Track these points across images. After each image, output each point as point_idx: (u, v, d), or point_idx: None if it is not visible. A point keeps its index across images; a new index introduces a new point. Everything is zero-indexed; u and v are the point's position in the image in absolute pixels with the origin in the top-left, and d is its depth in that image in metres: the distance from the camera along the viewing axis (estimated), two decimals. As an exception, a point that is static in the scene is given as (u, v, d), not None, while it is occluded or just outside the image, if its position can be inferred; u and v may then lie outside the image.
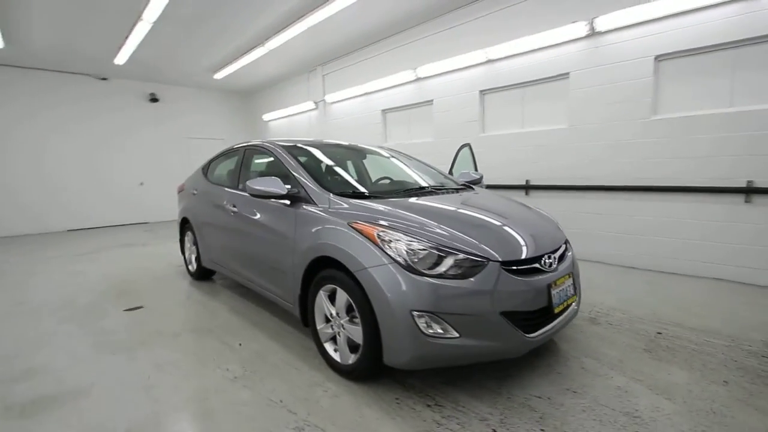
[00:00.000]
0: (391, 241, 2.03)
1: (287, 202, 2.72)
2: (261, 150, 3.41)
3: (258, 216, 2.98)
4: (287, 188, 2.65)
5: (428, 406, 2.02)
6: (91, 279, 4.58)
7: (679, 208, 4.13)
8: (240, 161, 3.60)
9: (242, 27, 6.30)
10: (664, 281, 3.95)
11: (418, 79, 6.47)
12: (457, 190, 3.05)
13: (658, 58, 4.10)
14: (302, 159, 2.97)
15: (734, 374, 2.23)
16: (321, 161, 3.18)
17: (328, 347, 2.41)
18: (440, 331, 1.90)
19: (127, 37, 6.43)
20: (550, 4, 4.75)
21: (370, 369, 2.15)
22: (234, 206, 3.32)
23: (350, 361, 2.22)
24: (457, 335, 1.90)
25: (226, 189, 3.59)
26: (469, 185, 3.33)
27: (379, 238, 2.06)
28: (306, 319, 2.60)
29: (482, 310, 1.92)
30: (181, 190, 4.73)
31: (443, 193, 2.89)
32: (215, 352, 2.67)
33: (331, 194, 2.51)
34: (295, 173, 2.78)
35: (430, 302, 1.89)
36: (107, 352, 2.71)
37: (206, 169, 4.27)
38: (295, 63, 8.32)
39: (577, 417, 1.90)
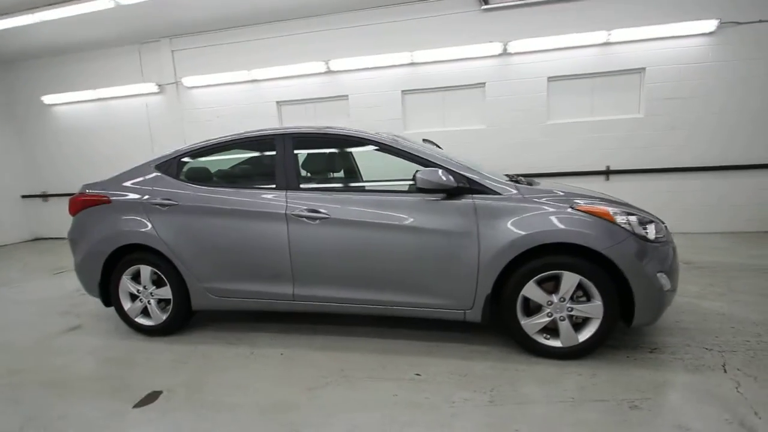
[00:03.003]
0: (622, 216, 2.25)
1: (436, 196, 2.40)
2: (334, 138, 2.75)
3: (397, 219, 2.44)
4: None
5: (650, 351, 2.38)
6: None
7: (565, 188, 5.80)
8: (287, 154, 2.71)
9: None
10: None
11: (329, 72, 6.14)
12: None
13: (550, 79, 5.59)
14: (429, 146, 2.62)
15: (724, 278, 3.58)
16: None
17: (538, 338, 2.35)
18: (669, 285, 2.29)
19: None
20: (473, 22, 5.60)
21: (603, 340, 2.30)
22: (317, 212, 2.52)
23: (581, 340, 2.29)
24: (671, 287, 2.33)
25: (282, 192, 2.63)
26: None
27: (614, 215, 2.24)
28: (491, 319, 2.41)
29: (676, 262, 2.44)
30: (92, 204, 2.98)
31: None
32: (411, 391, 2.10)
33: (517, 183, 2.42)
34: (445, 164, 2.44)
35: (664, 262, 2.26)
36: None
37: (179, 170, 2.91)
38: (116, 28, 6.17)
39: (724, 326, 2.71)
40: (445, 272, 2.39)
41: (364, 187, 2.84)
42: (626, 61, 5.34)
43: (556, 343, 2.34)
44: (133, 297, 2.97)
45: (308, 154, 2.79)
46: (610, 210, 2.27)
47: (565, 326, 2.31)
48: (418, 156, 2.52)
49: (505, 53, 5.59)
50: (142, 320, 2.97)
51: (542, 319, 2.33)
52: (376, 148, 2.65)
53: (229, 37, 6.37)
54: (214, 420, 1.95)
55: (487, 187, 2.40)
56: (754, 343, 2.42)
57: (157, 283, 2.91)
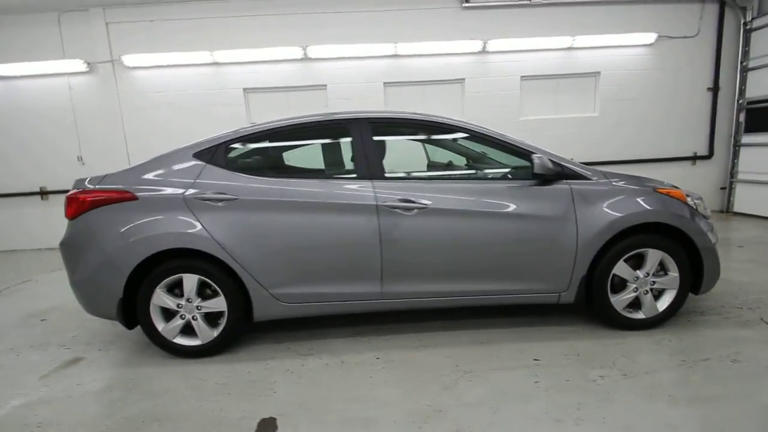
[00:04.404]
0: (689, 197, 2.54)
1: (530, 183, 2.45)
2: (418, 124, 2.60)
3: (498, 206, 2.41)
4: None
5: (701, 314, 2.74)
6: None
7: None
8: (366, 140, 2.47)
9: None
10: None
11: (306, 59, 5.74)
12: None
13: (523, 78, 6.01)
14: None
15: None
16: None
17: (624, 313, 2.53)
18: (717, 256, 2.65)
19: None
20: (454, 18, 5.72)
21: (678, 308, 2.56)
22: (413, 202, 2.35)
23: (660, 310, 2.53)
24: (716, 256, 2.71)
25: (367, 181, 2.39)
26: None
27: (687, 197, 2.51)
28: (584, 299, 2.52)
29: None
30: (108, 202, 2.37)
31: None
32: (547, 376, 2.11)
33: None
34: (542, 152, 2.48)
35: (714, 235, 2.60)
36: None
37: (228, 159, 2.46)
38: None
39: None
40: (546, 256, 2.45)
41: (448, 174, 2.73)
42: (585, 65, 6.00)
43: (639, 315, 2.55)
44: (168, 313, 2.45)
45: (397, 141, 2.60)
46: (684, 192, 2.55)
47: (648, 299, 2.53)
48: (512, 144, 2.54)
49: (483, 51, 5.85)
50: (183, 340, 2.46)
51: (629, 295, 2.52)
52: (466, 135, 2.58)
53: (187, 12, 5.54)
54: None
55: (578, 173, 2.51)
56: (765, 299, 2.95)
57: (201, 293, 2.43)
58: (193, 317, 2.43)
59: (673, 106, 6.09)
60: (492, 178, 2.57)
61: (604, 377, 2.08)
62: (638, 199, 2.45)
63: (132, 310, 2.44)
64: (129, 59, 5.58)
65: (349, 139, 2.50)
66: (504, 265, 2.46)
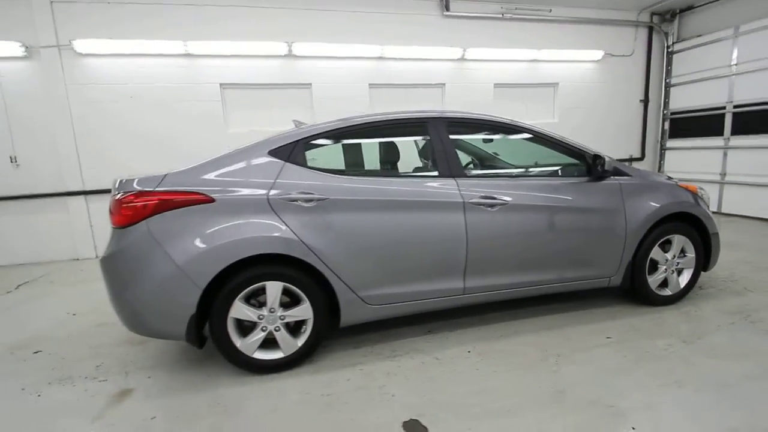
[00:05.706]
0: (699, 190, 3.03)
1: (584, 179, 2.73)
2: (491, 124, 2.79)
3: (566, 201, 2.63)
4: None
5: (701, 288, 3.26)
6: None
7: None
8: (445, 139, 2.53)
9: None
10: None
11: (290, 56, 5.50)
12: None
13: (496, 85, 6.47)
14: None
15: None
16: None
17: (658, 291, 2.93)
18: (716, 238, 3.20)
19: None
20: (435, 25, 5.95)
21: (694, 285, 3.02)
22: (495, 198, 2.46)
23: (681, 287, 2.97)
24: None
25: (450, 179, 2.44)
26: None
27: (699, 189, 2.99)
28: (631, 280, 2.85)
29: None
30: (176, 206, 2.10)
31: None
32: (627, 350, 2.38)
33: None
34: (583, 149, 2.77)
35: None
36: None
37: (306, 157, 2.32)
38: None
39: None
40: (603, 244, 2.73)
41: (517, 172, 2.88)
42: (546, 76, 6.66)
43: (667, 292, 2.97)
44: (242, 327, 2.23)
45: (472, 140, 2.67)
46: (697, 186, 3.03)
47: (674, 278, 2.96)
48: (572, 146, 2.78)
49: (462, 59, 6.18)
50: (263, 355, 2.25)
51: (661, 276, 2.93)
52: (530, 137, 2.76)
53: (151, -4, 4.96)
54: (536, 420, 1.78)
55: (622, 170, 2.84)
56: (735, 273, 3.61)
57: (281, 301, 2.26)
58: (275, 328, 2.24)
59: (614, 114, 7.05)
60: (555, 175, 2.78)
61: (672, 345, 2.40)
62: (670, 193, 2.87)
63: (199, 327, 2.19)
64: (82, 45, 4.82)
65: (427, 138, 2.53)
66: (571, 254, 2.69)
